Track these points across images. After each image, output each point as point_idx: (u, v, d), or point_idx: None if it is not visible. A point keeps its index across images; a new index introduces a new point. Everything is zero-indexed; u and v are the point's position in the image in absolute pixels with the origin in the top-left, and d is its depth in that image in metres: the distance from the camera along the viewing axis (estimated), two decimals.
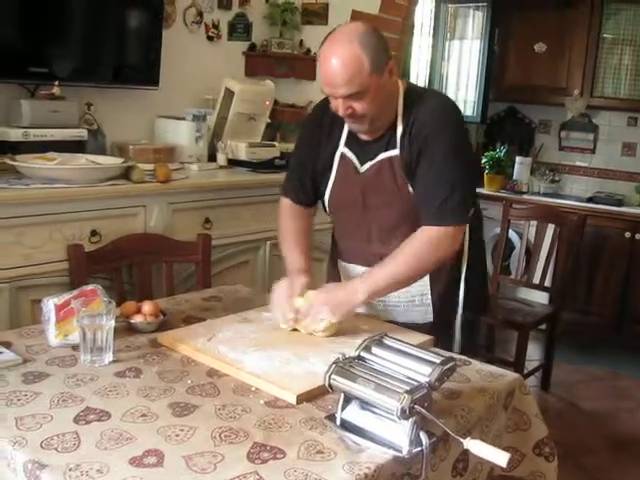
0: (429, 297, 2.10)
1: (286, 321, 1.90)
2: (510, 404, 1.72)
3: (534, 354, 4.33)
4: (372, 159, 2.01)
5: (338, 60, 1.79)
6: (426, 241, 1.92)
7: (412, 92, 2.00)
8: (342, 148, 2.06)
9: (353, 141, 2.04)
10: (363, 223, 2.08)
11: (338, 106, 1.87)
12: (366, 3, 3.81)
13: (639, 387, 4.14)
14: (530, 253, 4.13)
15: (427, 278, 2.05)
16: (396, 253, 1.92)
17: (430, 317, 2.12)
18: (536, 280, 3.99)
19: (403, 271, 1.91)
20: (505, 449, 1.64)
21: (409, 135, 1.94)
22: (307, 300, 1.88)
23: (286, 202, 2.22)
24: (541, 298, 4.19)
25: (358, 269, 2.14)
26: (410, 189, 1.97)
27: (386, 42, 1.88)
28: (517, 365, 3.57)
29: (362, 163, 2.03)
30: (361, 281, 1.93)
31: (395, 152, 1.97)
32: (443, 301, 2.12)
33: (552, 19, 5.08)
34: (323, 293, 1.90)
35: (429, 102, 1.97)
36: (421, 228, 1.93)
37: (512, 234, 4.57)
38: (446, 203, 1.90)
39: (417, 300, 2.10)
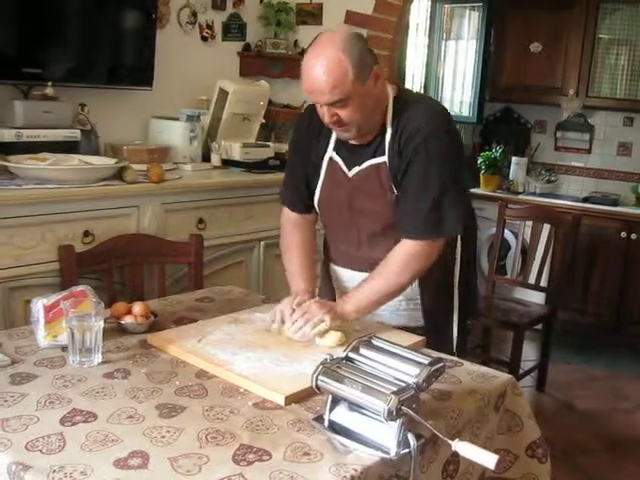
0: (419, 302, 2.09)
1: (276, 319, 1.90)
2: (502, 405, 1.71)
3: (530, 354, 4.33)
4: (360, 164, 1.99)
5: (321, 67, 1.76)
6: (405, 257, 1.91)
7: (402, 97, 1.96)
8: (330, 152, 2.04)
9: (342, 145, 2.02)
10: (351, 227, 2.07)
11: (324, 113, 1.85)
12: (360, 3, 3.80)
13: (636, 387, 4.13)
14: (526, 253, 4.12)
15: (415, 284, 2.04)
16: (377, 270, 1.93)
17: (421, 322, 2.10)
18: (532, 280, 3.99)
19: (385, 288, 1.93)
20: (497, 451, 1.65)
21: (398, 143, 1.91)
22: (328, 337, 1.83)
23: (286, 212, 2.21)
24: (537, 298, 4.18)
25: (348, 273, 2.14)
26: (395, 197, 1.95)
27: (370, 49, 1.85)
28: (512, 365, 3.58)
29: (350, 168, 2.01)
30: (346, 300, 1.94)
31: (383, 159, 1.94)
32: (435, 306, 2.10)
33: (548, 19, 5.07)
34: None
35: (419, 110, 1.92)
36: (401, 242, 1.93)
37: (508, 234, 4.56)
38: (427, 217, 1.89)
39: (405, 304, 2.08)
